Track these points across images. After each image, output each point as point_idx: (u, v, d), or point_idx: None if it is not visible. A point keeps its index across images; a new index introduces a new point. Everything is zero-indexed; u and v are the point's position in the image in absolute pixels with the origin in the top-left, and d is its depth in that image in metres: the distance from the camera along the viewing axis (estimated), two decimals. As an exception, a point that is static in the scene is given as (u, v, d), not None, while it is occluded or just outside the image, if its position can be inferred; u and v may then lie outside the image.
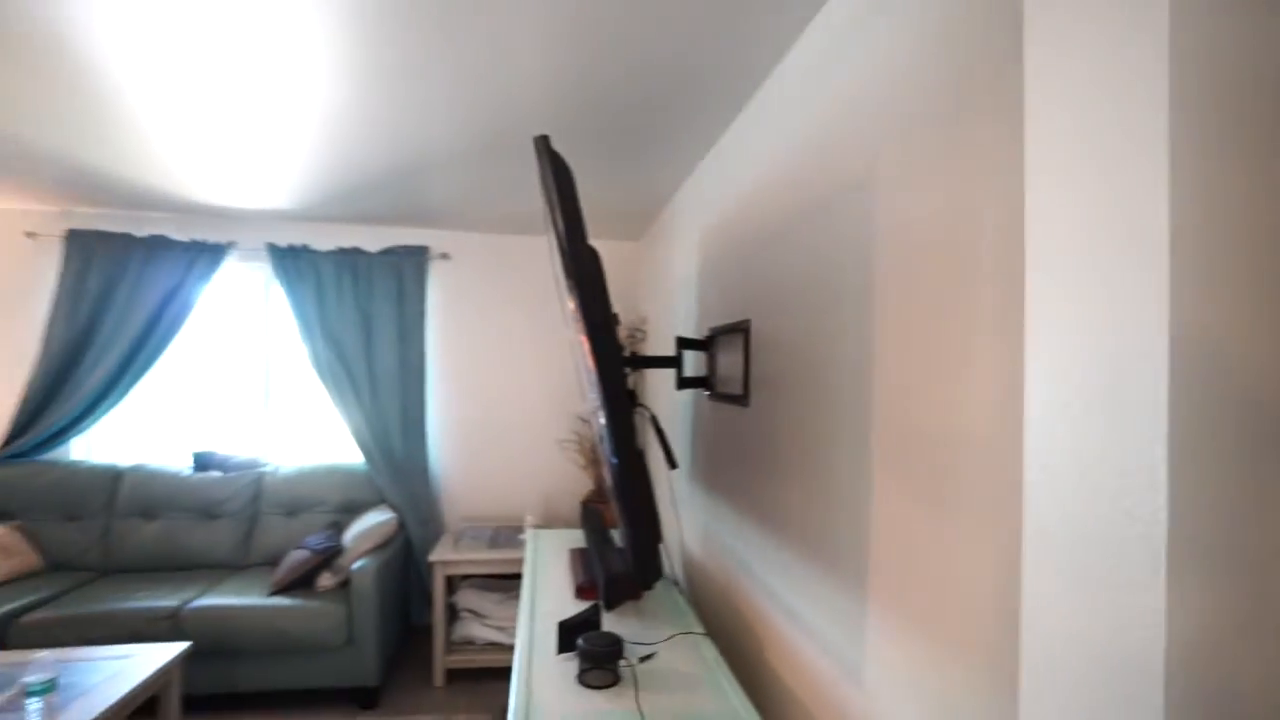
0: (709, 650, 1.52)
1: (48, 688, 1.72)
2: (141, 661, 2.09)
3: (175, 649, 2.19)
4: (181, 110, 2.07)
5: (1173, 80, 0.45)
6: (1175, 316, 0.44)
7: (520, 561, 2.94)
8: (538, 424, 3.70)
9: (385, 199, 3.10)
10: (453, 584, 3.24)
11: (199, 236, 3.44)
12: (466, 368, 3.70)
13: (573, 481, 3.70)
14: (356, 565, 2.69)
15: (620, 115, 2.00)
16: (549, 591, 1.93)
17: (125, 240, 3.37)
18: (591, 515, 2.34)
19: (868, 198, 1.17)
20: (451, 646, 2.98)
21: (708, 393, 2.12)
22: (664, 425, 2.86)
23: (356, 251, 3.51)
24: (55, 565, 3.02)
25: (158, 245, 3.38)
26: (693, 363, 2.50)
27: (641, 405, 1.58)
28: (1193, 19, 0.45)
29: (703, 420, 2.30)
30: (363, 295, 3.48)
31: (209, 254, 3.42)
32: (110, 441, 3.52)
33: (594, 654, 1.33)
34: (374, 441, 3.36)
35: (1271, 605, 0.41)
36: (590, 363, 1.17)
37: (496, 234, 3.73)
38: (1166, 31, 0.46)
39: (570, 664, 1.42)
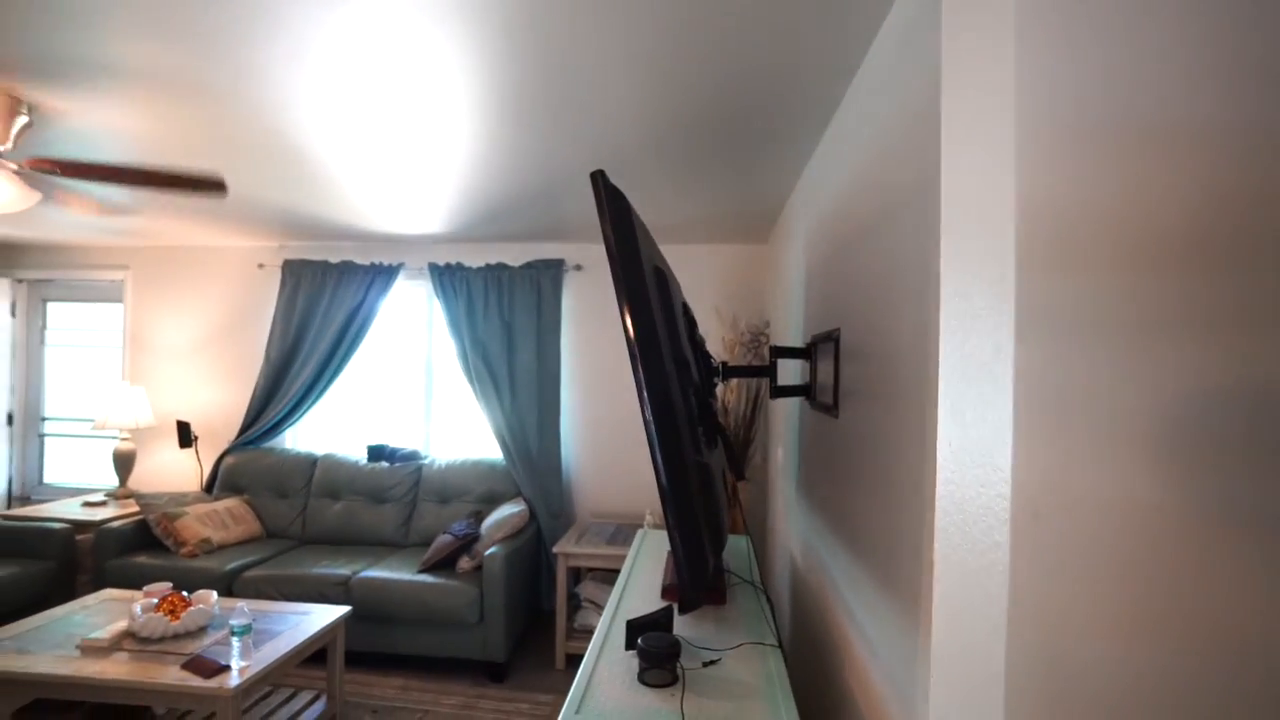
0: (775, 663, 1.50)
1: (246, 630, 2.15)
2: (315, 619, 2.52)
3: (340, 611, 2.60)
4: (364, 164, 2.54)
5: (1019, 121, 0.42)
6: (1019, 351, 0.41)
7: (636, 560, 3.07)
8: (661, 428, 3.81)
9: (525, 218, 3.40)
10: (579, 575, 3.46)
11: (377, 259, 4.02)
12: (598, 372, 3.91)
13: (695, 486, 3.75)
14: (489, 552, 2.98)
15: (727, 123, 2.04)
16: (640, 589, 2.01)
17: (323, 266, 4.03)
18: (693, 520, 2.38)
19: (926, 203, 1.11)
20: (573, 633, 3.18)
21: (809, 402, 2.08)
22: (784, 433, 2.82)
23: (501, 266, 3.87)
24: (270, 533, 3.70)
25: (346, 269, 4.00)
26: (797, 371, 2.46)
27: (720, 424, 1.60)
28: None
29: (805, 430, 2.25)
30: (506, 306, 3.84)
31: (385, 274, 3.97)
32: (310, 433, 4.22)
33: (650, 653, 1.39)
34: (512, 439, 3.68)
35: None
36: (640, 381, 1.23)
37: (624, 245, 3.89)
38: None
39: (634, 662, 1.49)
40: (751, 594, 2.00)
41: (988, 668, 0.45)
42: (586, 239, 3.83)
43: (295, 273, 4.05)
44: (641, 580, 2.09)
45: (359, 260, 4.03)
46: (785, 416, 2.72)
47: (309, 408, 4.01)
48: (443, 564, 3.12)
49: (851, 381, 1.60)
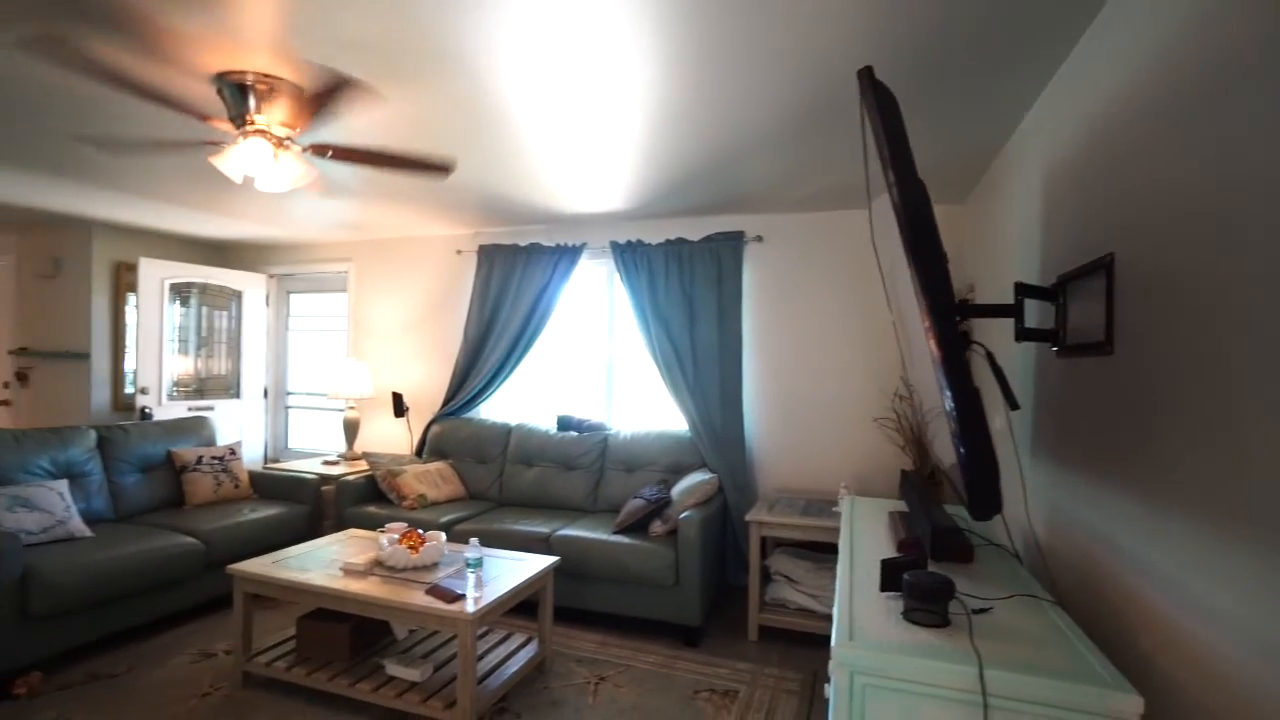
0: (1059, 617, 1.34)
1: (478, 564, 2.33)
2: (530, 564, 2.68)
3: (550, 560, 2.74)
4: (557, 142, 2.69)
5: None
6: None
7: (833, 531, 2.94)
8: (853, 401, 3.63)
9: (705, 190, 3.40)
10: (765, 548, 3.38)
11: (561, 241, 4.23)
12: (781, 345, 3.81)
13: (889, 460, 3.53)
14: (684, 515, 3.00)
15: (941, 65, 1.89)
16: (866, 545, 1.90)
17: (513, 250, 4.32)
18: (913, 481, 2.23)
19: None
20: (764, 606, 3.11)
21: (1054, 348, 1.86)
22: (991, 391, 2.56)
23: (681, 241, 3.90)
24: (471, 494, 4.02)
25: (534, 251, 4.26)
26: (1034, 315, 2.21)
27: (977, 343, 1.46)
28: None
29: (1047, 381, 2.01)
30: (686, 280, 3.86)
31: (569, 254, 4.17)
32: (503, 405, 4.53)
33: (922, 590, 1.29)
34: (696, 412, 3.69)
35: None
36: (919, 290, 1.16)
37: (808, 212, 3.77)
38: None
39: (892, 603, 1.40)
40: (996, 554, 1.82)
41: None
42: (766, 209, 3.76)
43: (489, 256, 4.38)
44: (865, 538, 1.98)
45: (545, 242, 4.26)
46: (1011, 374, 2.46)
47: (502, 382, 4.31)
48: (634, 527, 3.19)
49: (1135, 314, 1.38)
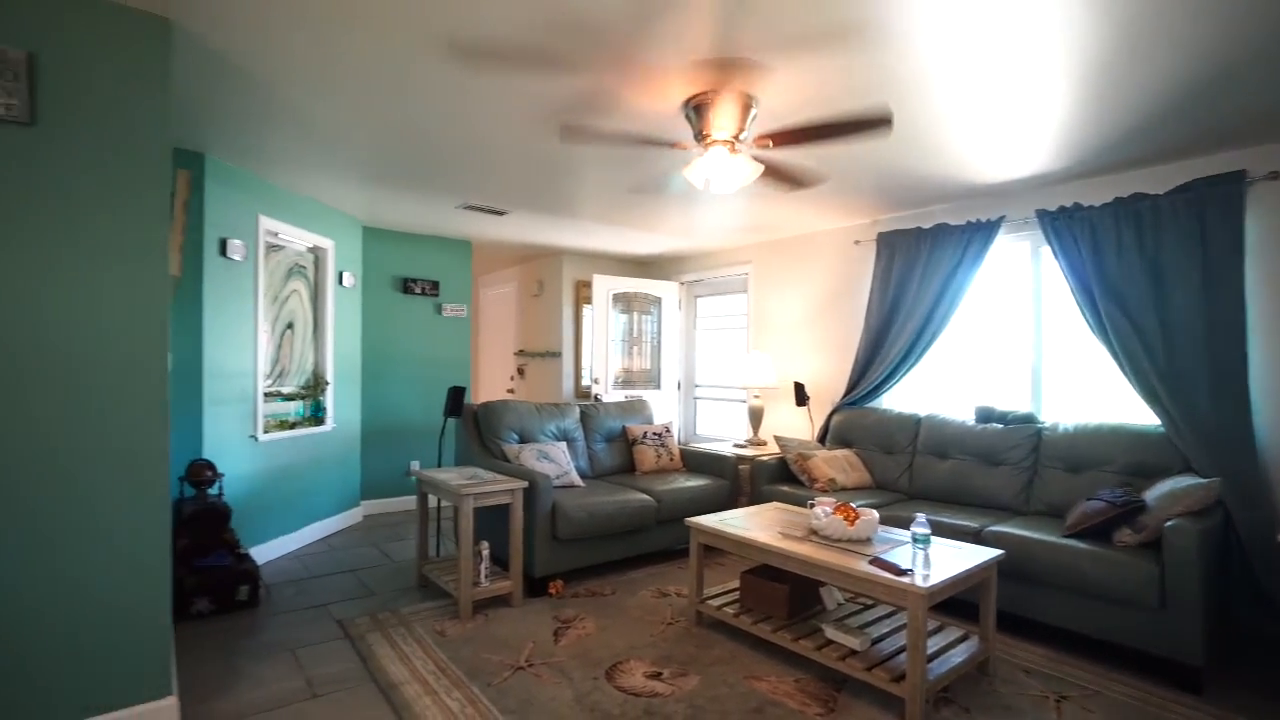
0: None
1: (926, 541, 2.28)
2: (973, 552, 2.52)
3: (994, 552, 2.53)
4: (974, 100, 2.49)
5: None
6: None
7: None
8: None
9: (1171, 128, 2.76)
10: (1303, 587, 2.54)
11: (972, 218, 3.89)
12: (1308, 319, 2.84)
13: None
14: (1172, 523, 2.44)
15: None
16: None
17: (916, 234, 4.15)
18: None
19: None
20: (1313, 660, 2.33)
21: None
22: None
23: (1137, 198, 3.22)
24: (878, 484, 3.97)
25: (940, 233, 4.02)
26: None
27: None
28: None
29: None
30: (1148, 244, 3.17)
31: (982, 232, 3.81)
32: (909, 394, 4.37)
33: None
34: (1172, 403, 2.99)
35: None
36: None
37: (1362, 133, 2.73)
38: None
39: None
40: None
41: None
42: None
43: (889, 244, 4.29)
44: None
45: (953, 221, 3.98)
46: None
47: (907, 371, 4.17)
48: (1090, 533, 2.72)
49: None
